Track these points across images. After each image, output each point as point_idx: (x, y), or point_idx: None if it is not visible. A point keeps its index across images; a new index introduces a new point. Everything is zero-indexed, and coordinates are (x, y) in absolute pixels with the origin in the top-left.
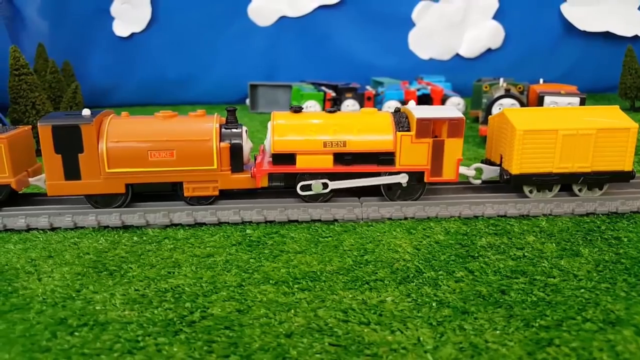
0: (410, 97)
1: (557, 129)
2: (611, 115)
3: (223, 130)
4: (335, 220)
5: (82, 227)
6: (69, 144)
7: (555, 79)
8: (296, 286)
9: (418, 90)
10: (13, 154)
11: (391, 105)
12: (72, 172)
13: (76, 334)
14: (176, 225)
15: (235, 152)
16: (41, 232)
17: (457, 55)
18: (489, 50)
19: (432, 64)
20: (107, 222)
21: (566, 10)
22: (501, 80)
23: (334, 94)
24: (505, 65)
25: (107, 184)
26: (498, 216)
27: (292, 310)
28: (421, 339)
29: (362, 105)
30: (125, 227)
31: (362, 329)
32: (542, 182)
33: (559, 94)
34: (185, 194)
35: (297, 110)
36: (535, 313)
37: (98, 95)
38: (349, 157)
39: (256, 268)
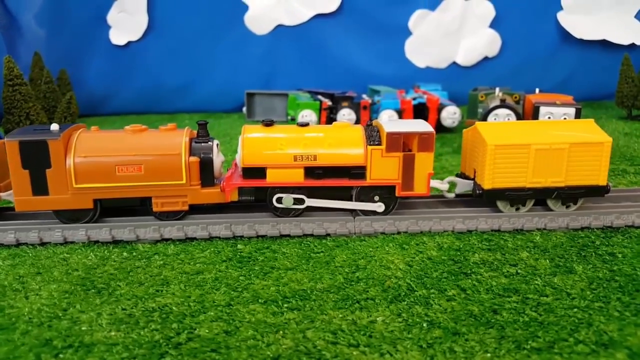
0: (406, 106)
1: (529, 144)
2: (586, 129)
3: (193, 144)
4: (328, 234)
5: (72, 242)
6: (37, 159)
7: (553, 87)
8: (285, 305)
9: (414, 99)
10: None
11: (387, 114)
12: (39, 187)
13: (60, 356)
14: (167, 240)
15: (205, 166)
16: (31, 247)
17: (454, 63)
18: (486, 58)
19: (428, 72)
20: (97, 237)
21: (563, 18)
22: (497, 89)
23: (330, 103)
24: (502, 74)
25: (75, 200)
26: (492, 230)
27: (281, 332)
28: None
29: (358, 115)
30: (116, 242)
31: (350, 351)
32: (515, 196)
33: (554, 104)
34: (154, 209)
35: (269, 123)
36: (527, 334)
37: (95, 103)
38: (320, 171)
39: (246, 286)
